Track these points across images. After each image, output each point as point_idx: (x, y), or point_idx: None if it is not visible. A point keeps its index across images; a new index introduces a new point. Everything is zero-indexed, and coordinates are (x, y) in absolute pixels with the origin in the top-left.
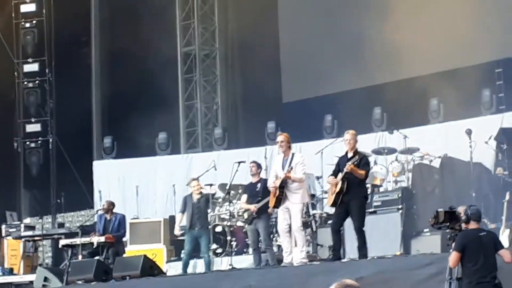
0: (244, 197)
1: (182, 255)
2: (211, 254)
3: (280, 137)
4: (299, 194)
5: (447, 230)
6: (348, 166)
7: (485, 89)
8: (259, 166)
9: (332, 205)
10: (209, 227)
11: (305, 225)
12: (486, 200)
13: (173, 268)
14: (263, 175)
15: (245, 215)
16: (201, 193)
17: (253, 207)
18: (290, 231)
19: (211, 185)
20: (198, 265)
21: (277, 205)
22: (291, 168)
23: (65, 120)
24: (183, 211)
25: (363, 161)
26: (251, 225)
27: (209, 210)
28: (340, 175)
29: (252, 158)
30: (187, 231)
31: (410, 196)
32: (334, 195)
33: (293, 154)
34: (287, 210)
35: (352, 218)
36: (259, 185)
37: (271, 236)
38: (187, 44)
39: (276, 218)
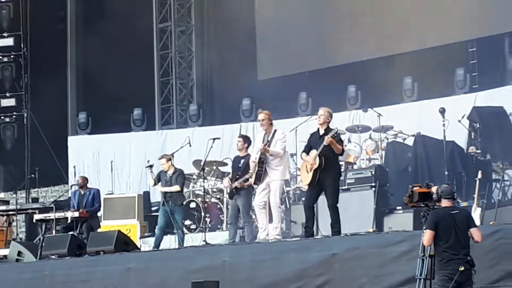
0: (231, 172)
1: (156, 230)
2: (185, 230)
3: (261, 116)
4: (279, 171)
5: (423, 207)
6: (328, 139)
7: (458, 68)
8: (245, 140)
9: (310, 184)
10: (183, 203)
11: (279, 201)
12: (459, 179)
13: (146, 244)
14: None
15: (228, 189)
16: (174, 169)
17: (228, 185)
18: (265, 207)
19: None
20: (172, 241)
21: (257, 181)
22: (268, 142)
23: (40, 95)
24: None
25: (337, 138)
26: (232, 199)
27: (190, 186)
28: (314, 151)
29: (227, 135)
30: (160, 206)
31: (383, 174)
32: (311, 172)
33: (275, 131)
34: (268, 186)
35: (326, 195)
36: (242, 161)
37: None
38: (163, 20)
39: None
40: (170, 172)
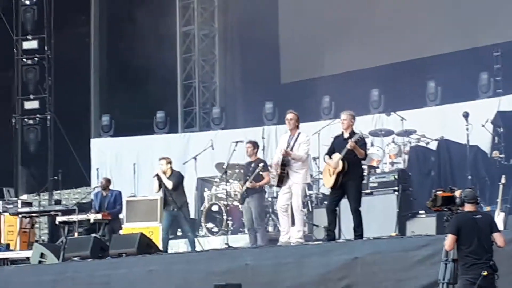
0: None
1: (161, 232)
2: (207, 233)
3: (290, 115)
4: (301, 174)
5: (447, 211)
6: (351, 143)
7: (482, 72)
8: (255, 146)
9: (333, 187)
10: (185, 205)
11: (302, 205)
12: (482, 183)
13: (168, 246)
14: (260, 155)
15: (238, 195)
16: (172, 171)
17: (240, 189)
18: (288, 210)
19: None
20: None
21: (279, 183)
22: (288, 145)
23: (63, 97)
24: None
25: (360, 142)
26: (244, 204)
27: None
28: (338, 155)
29: (249, 138)
30: (164, 209)
31: (406, 178)
32: (334, 175)
33: (299, 134)
34: (289, 189)
35: (349, 199)
36: (253, 165)
37: (267, 215)
38: (186, 24)
39: (272, 197)
40: (167, 175)
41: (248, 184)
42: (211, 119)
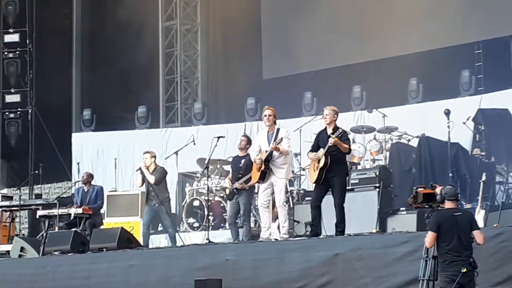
0: (230, 172)
1: (142, 227)
2: (188, 228)
3: (268, 111)
4: (284, 169)
5: (427, 208)
6: (332, 140)
7: (464, 70)
8: (248, 141)
9: (316, 182)
10: (166, 199)
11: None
12: (463, 181)
13: (149, 241)
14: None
15: (227, 191)
16: (155, 166)
17: (229, 186)
18: (269, 206)
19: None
20: (178, 240)
21: (260, 180)
22: (281, 139)
23: (44, 91)
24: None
25: (344, 136)
26: (231, 200)
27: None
28: (322, 150)
29: (231, 134)
30: (146, 204)
31: (387, 175)
32: (317, 171)
33: (277, 129)
34: (271, 185)
35: (334, 195)
36: (243, 161)
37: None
38: (169, 18)
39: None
40: (151, 170)
41: (238, 185)
42: (192, 114)
